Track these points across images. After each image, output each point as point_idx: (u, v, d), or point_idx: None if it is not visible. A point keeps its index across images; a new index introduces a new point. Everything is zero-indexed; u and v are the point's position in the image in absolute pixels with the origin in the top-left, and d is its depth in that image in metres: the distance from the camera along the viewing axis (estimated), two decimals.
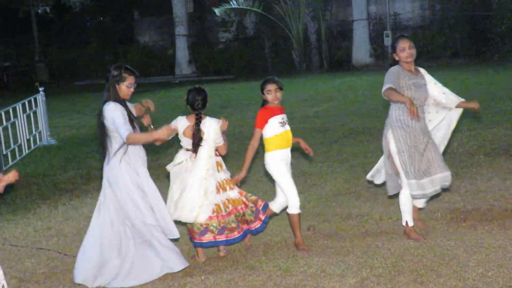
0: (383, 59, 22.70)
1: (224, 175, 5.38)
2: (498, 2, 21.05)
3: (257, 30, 24.75)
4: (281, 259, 5.19)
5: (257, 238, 5.70)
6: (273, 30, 23.80)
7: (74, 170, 9.29)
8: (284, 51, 23.74)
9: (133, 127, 4.91)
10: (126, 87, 4.95)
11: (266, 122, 5.34)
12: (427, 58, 20.91)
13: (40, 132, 11.25)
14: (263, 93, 5.38)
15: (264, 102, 5.42)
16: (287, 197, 5.39)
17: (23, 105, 10.56)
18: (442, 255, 4.97)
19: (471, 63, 20.11)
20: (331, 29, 23.88)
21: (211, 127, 5.24)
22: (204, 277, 4.96)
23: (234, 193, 5.37)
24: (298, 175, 8.02)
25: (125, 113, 4.89)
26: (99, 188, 8.23)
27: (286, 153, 5.43)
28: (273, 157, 5.39)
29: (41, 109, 11.25)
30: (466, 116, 10.69)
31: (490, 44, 20.94)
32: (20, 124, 10.18)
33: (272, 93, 5.33)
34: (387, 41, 22.40)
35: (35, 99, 11.18)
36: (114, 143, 4.94)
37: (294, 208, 5.36)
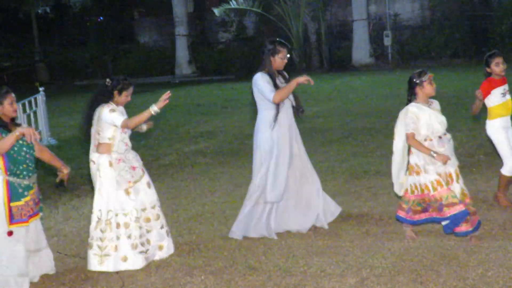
0: (383, 59, 22.72)
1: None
2: (498, 2, 21.07)
3: (257, 30, 24.77)
4: (281, 259, 5.19)
5: (257, 238, 5.70)
6: (273, 30, 23.82)
7: (74, 170, 9.25)
8: None
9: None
10: (280, 59, 5.57)
11: (489, 93, 5.87)
12: (427, 58, 20.93)
13: (40, 132, 11.24)
14: (489, 66, 5.92)
15: (488, 75, 5.96)
16: (503, 159, 5.99)
17: (23, 105, 10.55)
18: (442, 255, 4.97)
19: (471, 63, 20.11)
20: (331, 29, 23.91)
21: None
22: (204, 277, 4.96)
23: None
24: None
25: (271, 81, 5.53)
26: None
27: (506, 120, 5.97)
28: (495, 124, 5.95)
29: (41, 109, 11.25)
30: (466, 116, 10.71)
31: (490, 44, 20.92)
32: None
33: (500, 66, 5.86)
34: (387, 41, 22.41)
35: (35, 99, 11.18)
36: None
37: (507, 171, 5.98)
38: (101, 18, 28.50)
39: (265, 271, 4.98)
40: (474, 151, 8.43)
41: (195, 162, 9.09)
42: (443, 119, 5.32)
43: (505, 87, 5.95)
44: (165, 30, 27.11)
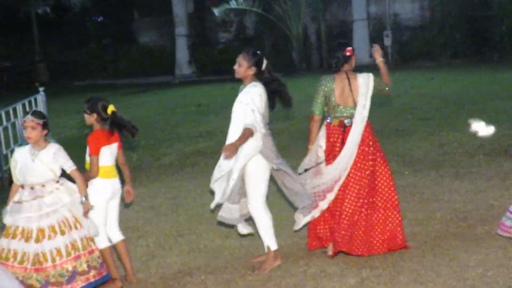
0: (383, 59, 22.72)
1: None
2: (498, 2, 21.06)
3: (257, 30, 24.76)
4: (281, 259, 5.19)
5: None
6: (273, 30, 23.81)
7: None
8: (284, 51, 23.75)
9: None
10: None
11: None
12: (427, 58, 20.90)
13: None
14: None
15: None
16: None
17: (23, 105, 10.55)
18: (442, 255, 4.97)
19: (471, 63, 20.10)
20: (331, 29, 23.89)
21: None
22: (204, 277, 4.96)
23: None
24: None
25: None
26: None
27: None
28: None
29: (41, 109, 11.24)
30: (466, 116, 10.70)
31: (490, 44, 20.95)
32: (20, 124, 10.17)
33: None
34: (387, 41, 22.41)
35: (35, 99, 11.17)
36: None
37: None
38: (101, 18, 28.49)
39: None
40: (474, 151, 8.42)
41: (195, 162, 9.08)
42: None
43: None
44: (165, 30, 27.08)
